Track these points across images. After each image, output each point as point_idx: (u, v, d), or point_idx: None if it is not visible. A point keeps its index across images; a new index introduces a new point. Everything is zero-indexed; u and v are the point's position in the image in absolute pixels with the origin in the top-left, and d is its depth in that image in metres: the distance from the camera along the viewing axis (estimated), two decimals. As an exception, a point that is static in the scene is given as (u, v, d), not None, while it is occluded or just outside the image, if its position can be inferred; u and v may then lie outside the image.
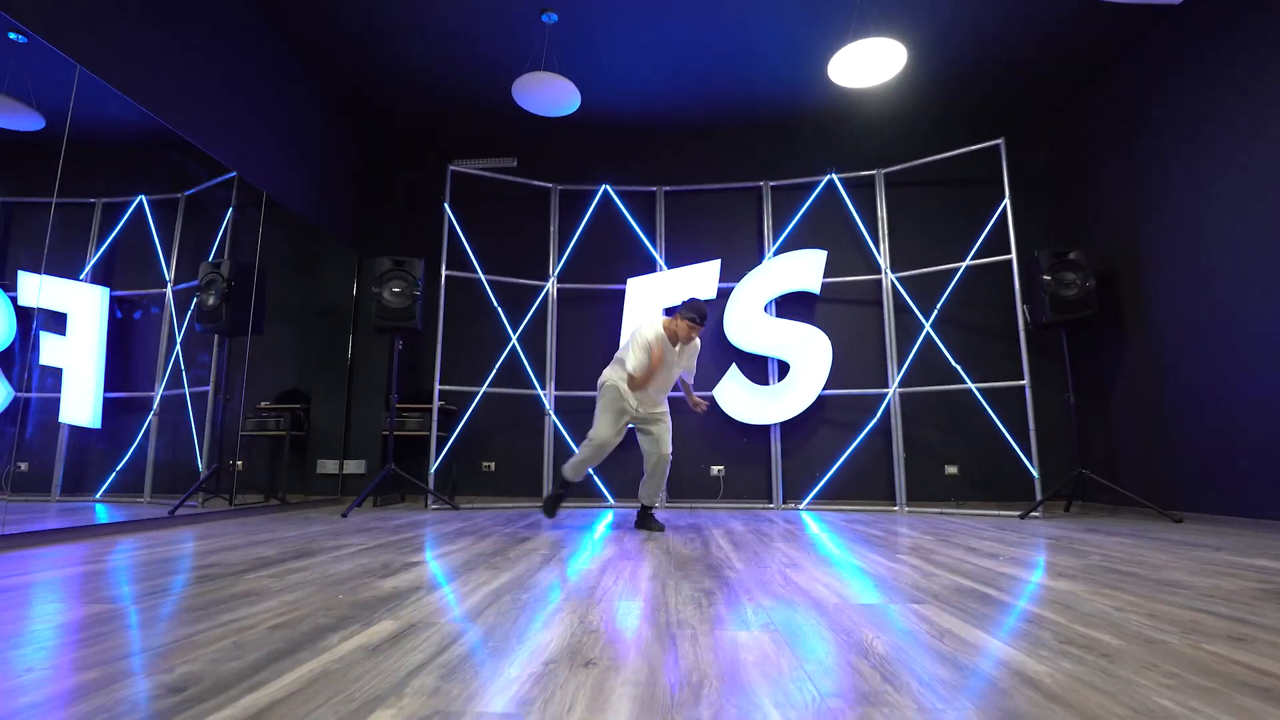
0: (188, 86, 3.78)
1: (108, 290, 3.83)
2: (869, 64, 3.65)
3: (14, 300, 3.14)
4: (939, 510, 4.52)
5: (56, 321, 3.43)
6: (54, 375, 3.41)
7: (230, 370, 4.59)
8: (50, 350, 3.37)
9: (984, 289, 4.96)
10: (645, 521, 3.34)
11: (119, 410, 4.06)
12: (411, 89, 4.96)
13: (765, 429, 4.96)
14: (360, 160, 5.49)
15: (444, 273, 4.81)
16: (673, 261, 5.22)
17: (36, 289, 3.25)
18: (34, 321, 3.27)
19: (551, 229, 5.22)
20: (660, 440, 3.35)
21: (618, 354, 3.43)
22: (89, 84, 3.21)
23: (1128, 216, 4.37)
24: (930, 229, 5.15)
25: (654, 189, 5.31)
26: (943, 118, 5.22)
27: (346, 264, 5.28)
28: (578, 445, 4.99)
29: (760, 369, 5.05)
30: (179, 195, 4.49)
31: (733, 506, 4.84)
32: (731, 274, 5.12)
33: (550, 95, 3.97)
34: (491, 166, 5.32)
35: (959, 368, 4.61)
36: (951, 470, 4.88)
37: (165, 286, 4.43)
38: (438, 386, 4.69)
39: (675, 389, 3.72)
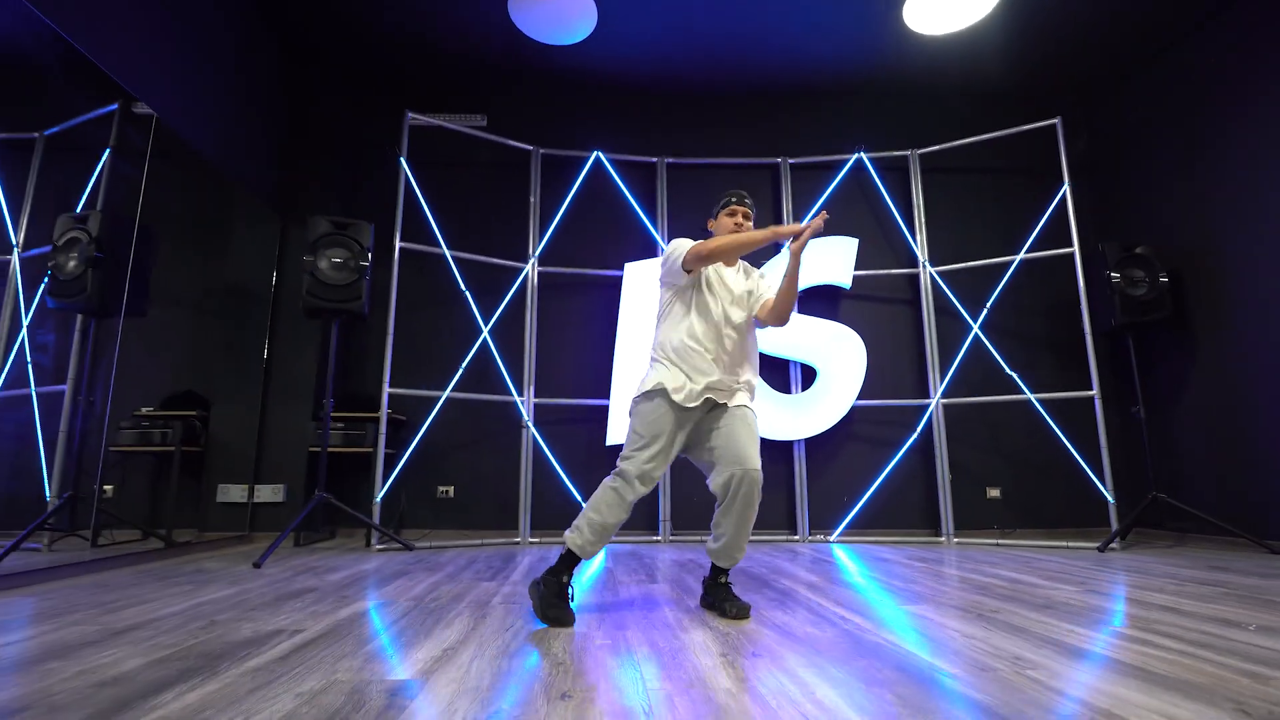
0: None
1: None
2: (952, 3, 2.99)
3: None
4: (992, 541, 3.86)
5: None
6: None
7: (95, 364, 3.41)
8: None
9: (1032, 287, 4.40)
10: (716, 594, 1.98)
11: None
12: (361, 15, 3.92)
13: (786, 446, 4.18)
14: (291, 101, 4.36)
15: (398, 244, 3.77)
16: (677, 245, 4.37)
17: None
18: None
19: (532, 200, 4.26)
20: (735, 440, 1.93)
21: (654, 345, 2.12)
22: None
23: (1198, 207, 3.91)
24: (971, 218, 4.56)
25: (654, 160, 4.47)
26: (982, 96, 4.66)
27: (266, 229, 4.12)
28: (563, 467, 4.04)
29: (781, 374, 4.27)
30: (34, 135, 3.31)
31: (752, 539, 4.01)
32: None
33: (557, 13, 3.07)
34: (456, 122, 4.32)
35: (1015, 376, 3.99)
36: (993, 493, 4.26)
37: (11, 252, 3.26)
38: (387, 390, 3.63)
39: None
